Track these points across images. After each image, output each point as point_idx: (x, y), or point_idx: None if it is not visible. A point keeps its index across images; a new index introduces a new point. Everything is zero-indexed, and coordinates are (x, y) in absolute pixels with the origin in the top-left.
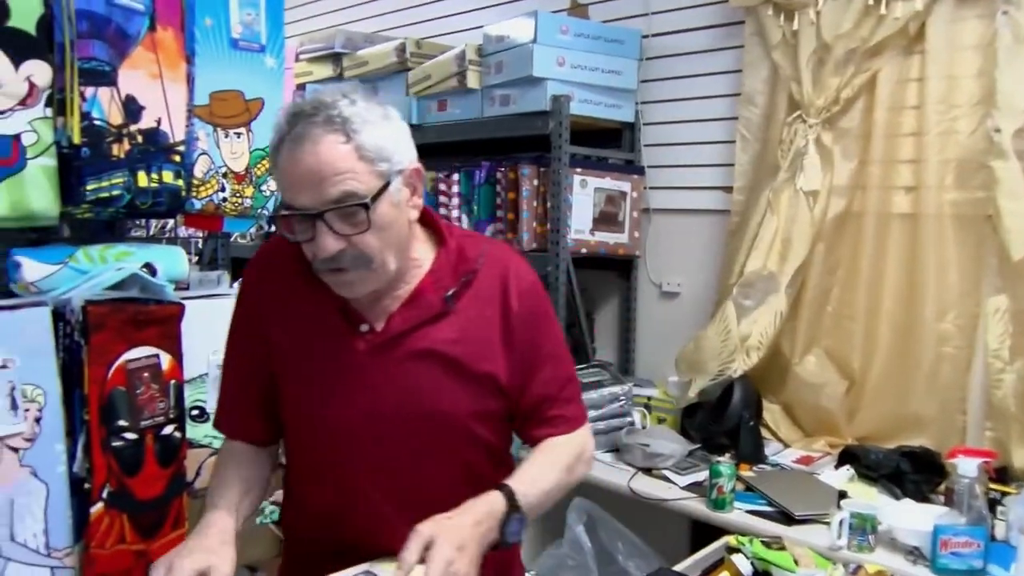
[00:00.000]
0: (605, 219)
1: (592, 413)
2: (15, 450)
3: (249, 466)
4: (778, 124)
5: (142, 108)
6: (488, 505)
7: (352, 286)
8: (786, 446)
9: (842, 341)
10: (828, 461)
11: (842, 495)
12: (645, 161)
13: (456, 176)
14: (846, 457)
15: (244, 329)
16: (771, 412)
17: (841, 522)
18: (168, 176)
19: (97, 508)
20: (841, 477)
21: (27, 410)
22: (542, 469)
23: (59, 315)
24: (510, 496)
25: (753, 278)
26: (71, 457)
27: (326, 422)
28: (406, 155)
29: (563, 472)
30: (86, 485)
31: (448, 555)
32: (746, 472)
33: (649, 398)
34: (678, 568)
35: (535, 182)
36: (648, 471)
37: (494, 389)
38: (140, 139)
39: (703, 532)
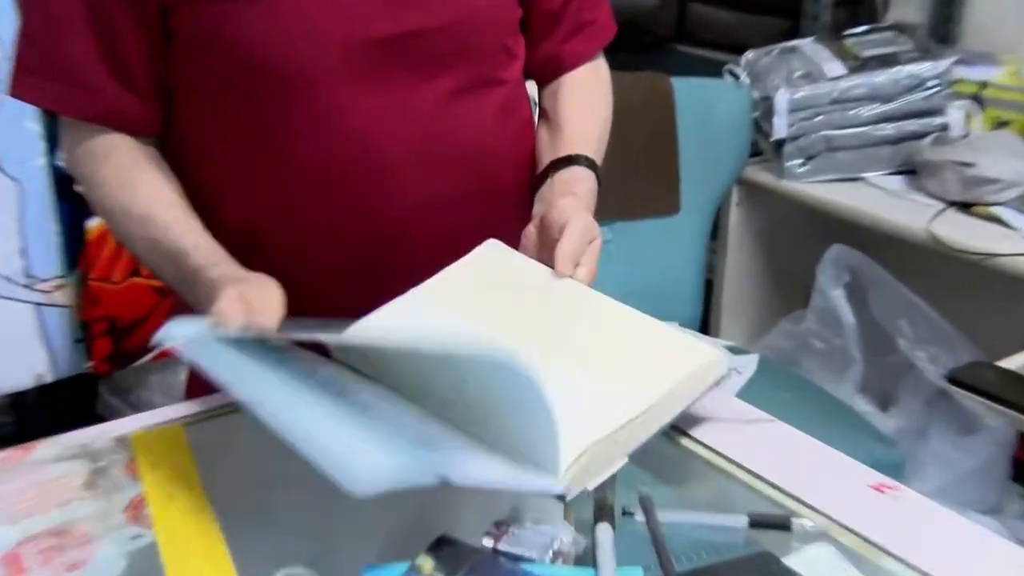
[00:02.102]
0: None
1: (872, 110)
2: None
3: (157, 162)
4: None
5: None
6: (592, 193)
7: None
8: None
9: None
10: None
11: None
12: None
13: None
14: None
15: None
16: None
17: None
18: None
19: (97, 222)
20: None
21: None
22: (595, 127)
23: None
24: (594, 169)
25: None
26: (52, 144)
27: (317, 47)
28: None
29: (607, 130)
30: (78, 186)
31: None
32: None
33: (983, 84)
34: (1004, 364)
35: None
36: (966, 206)
37: None
38: None
39: None
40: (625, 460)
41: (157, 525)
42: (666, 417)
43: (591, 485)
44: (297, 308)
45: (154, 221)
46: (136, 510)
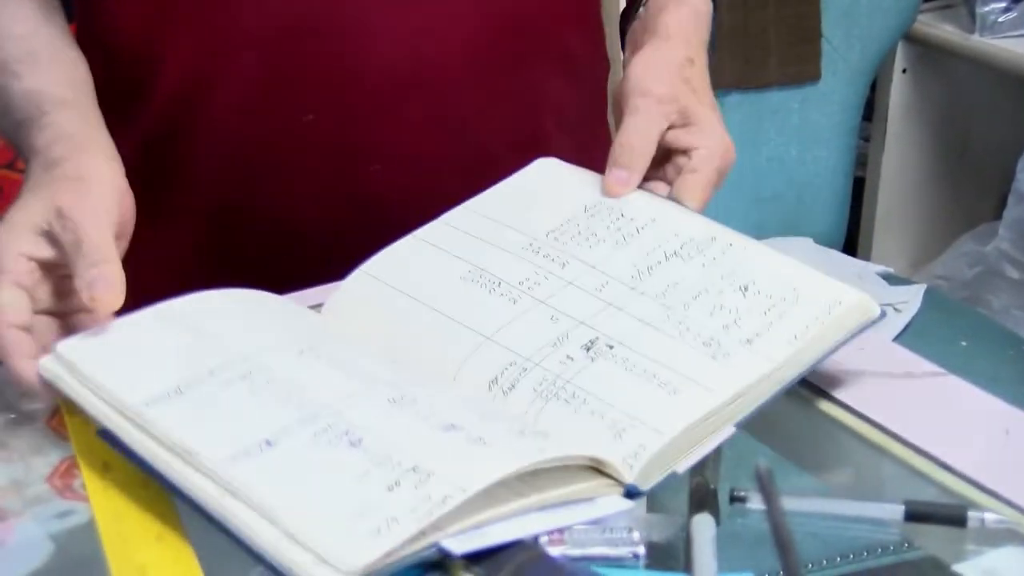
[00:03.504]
0: None
1: None
2: None
3: None
4: None
5: None
6: (700, 34)
7: None
8: None
9: None
10: None
11: None
12: None
13: None
14: None
15: None
16: None
17: None
18: None
19: None
20: None
21: None
22: None
23: None
24: None
25: None
26: None
27: None
28: None
29: None
30: None
31: (725, 143)
32: None
33: None
34: None
35: None
36: None
37: None
38: None
39: None
40: (732, 431)
41: (93, 498)
42: (790, 376)
43: (681, 467)
44: (238, 202)
45: None
46: (64, 478)
